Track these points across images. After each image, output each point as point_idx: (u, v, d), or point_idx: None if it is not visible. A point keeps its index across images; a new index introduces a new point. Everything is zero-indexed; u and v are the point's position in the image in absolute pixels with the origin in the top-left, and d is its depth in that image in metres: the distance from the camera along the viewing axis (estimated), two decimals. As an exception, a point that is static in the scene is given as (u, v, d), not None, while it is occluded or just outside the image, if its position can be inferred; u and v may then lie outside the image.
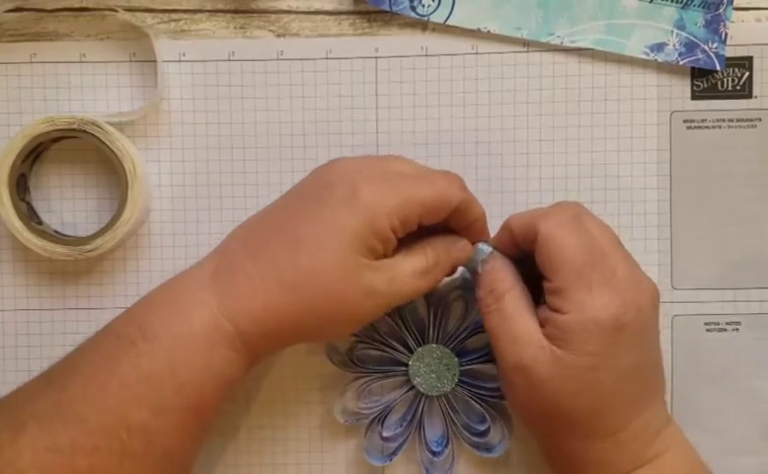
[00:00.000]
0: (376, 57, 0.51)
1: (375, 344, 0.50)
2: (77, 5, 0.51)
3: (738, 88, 0.50)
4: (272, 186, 0.51)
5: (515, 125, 0.51)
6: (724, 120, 0.50)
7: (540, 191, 0.51)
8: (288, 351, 0.50)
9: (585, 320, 0.41)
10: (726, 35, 0.50)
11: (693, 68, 0.50)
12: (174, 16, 0.51)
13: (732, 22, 0.50)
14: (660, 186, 0.51)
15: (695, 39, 0.50)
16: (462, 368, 0.50)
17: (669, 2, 0.50)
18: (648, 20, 0.50)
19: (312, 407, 0.52)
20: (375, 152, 0.51)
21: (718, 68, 0.50)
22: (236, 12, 0.51)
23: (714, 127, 0.51)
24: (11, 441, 0.40)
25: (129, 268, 0.51)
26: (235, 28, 0.51)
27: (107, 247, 0.49)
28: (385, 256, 0.43)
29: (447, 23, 0.50)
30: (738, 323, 0.51)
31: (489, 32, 0.50)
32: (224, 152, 0.51)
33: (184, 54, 0.51)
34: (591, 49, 0.50)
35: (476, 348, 0.50)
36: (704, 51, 0.50)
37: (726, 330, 0.51)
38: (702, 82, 0.51)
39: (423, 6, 0.50)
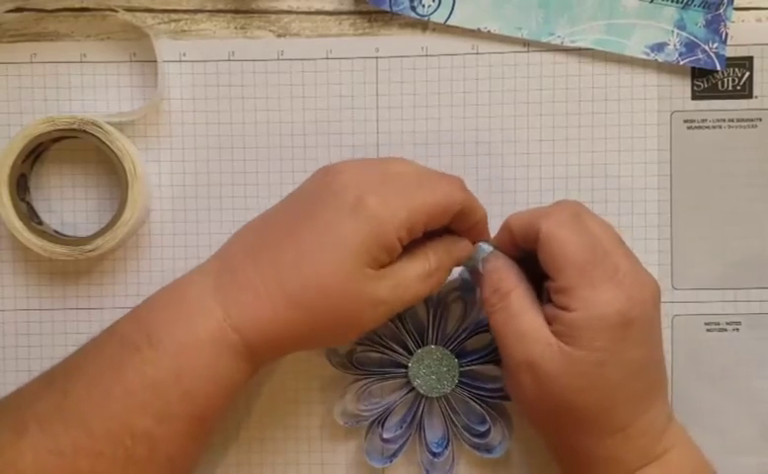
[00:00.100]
0: (376, 57, 0.51)
1: (375, 346, 0.50)
2: (77, 5, 0.51)
3: (739, 88, 0.50)
4: (272, 186, 0.51)
5: (515, 125, 0.51)
6: (724, 120, 0.50)
7: (540, 191, 0.51)
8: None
9: (592, 317, 0.41)
10: (726, 35, 0.50)
11: (693, 68, 0.50)
12: (174, 16, 0.51)
13: (733, 22, 0.50)
14: (661, 186, 0.51)
15: (695, 39, 0.50)
16: (462, 370, 0.50)
17: (670, 2, 0.50)
18: (648, 20, 0.50)
19: (312, 409, 0.52)
20: (375, 152, 0.51)
21: (718, 68, 0.50)
22: (236, 12, 0.51)
23: (714, 127, 0.51)
24: (12, 442, 0.40)
25: (129, 268, 0.51)
26: (235, 28, 0.51)
27: (107, 247, 0.49)
28: (389, 263, 0.43)
29: (447, 23, 0.50)
30: (739, 323, 0.51)
31: (489, 32, 0.50)
32: (224, 152, 0.51)
33: (184, 54, 0.51)
34: (592, 49, 0.50)
35: (475, 349, 0.50)
36: (704, 51, 0.50)
37: (726, 330, 0.51)
38: (702, 82, 0.51)
39: (424, 6, 0.50)
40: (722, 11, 0.50)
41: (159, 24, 0.51)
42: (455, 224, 0.45)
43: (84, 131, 0.48)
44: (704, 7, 0.50)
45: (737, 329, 0.51)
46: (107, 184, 0.51)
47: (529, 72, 0.51)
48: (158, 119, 0.51)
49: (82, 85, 0.51)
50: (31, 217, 0.49)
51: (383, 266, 0.43)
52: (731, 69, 0.50)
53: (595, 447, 0.43)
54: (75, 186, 0.51)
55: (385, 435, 0.50)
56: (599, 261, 0.42)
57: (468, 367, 0.50)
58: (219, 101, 0.51)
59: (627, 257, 0.43)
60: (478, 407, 0.50)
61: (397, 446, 0.50)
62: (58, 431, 0.40)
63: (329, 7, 0.51)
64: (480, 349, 0.50)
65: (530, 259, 0.45)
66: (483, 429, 0.49)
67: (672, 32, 0.50)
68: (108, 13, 0.51)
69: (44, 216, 0.51)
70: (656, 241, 0.51)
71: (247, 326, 0.42)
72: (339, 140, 0.51)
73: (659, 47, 0.50)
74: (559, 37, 0.50)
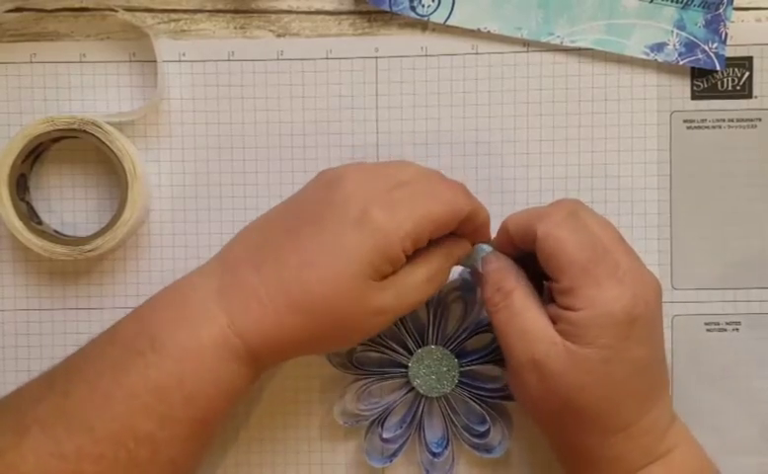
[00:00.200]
0: (376, 57, 0.51)
1: (375, 346, 0.50)
2: (77, 5, 0.51)
3: (738, 88, 0.50)
4: (272, 186, 0.51)
5: (515, 125, 0.51)
6: (724, 120, 0.50)
7: (540, 191, 0.51)
8: (288, 352, 0.50)
9: (599, 314, 0.41)
10: (726, 35, 0.50)
11: (693, 68, 0.50)
12: (174, 16, 0.51)
13: (732, 22, 0.50)
14: (660, 186, 0.51)
15: (695, 39, 0.50)
16: (462, 370, 0.50)
17: (669, 2, 0.50)
18: (648, 20, 0.50)
19: (312, 409, 0.52)
20: (375, 152, 0.51)
21: (718, 68, 0.50)
22: (236, 12, 0.51)
23: (714, 127, 0.51)
24: (14, 445, 0.40)
25: (129, 268, 0.51)
26: (235, 28, 0.51)
27: (107, 247, 0.49)
28: (393, 273, 0.43)
29: (447, 23, 0.50)
30: (739, 323, 0.51)
31: (489, 32, 0.50)
32: (224, 152, 0.51)
33: (184, 54, 0.51)
34: (591, 49, 0.50)
35: (475, 349, 0.50)
36: (704, 51, 0.50)
37: (726, 330, 0.51)
38: (702, 82, 0.51)
39: (423, 6, 0.50)
40: (721, 11, 0.50)
41: (159, 24, 0.51)
42: (459, 228, 0.45)
43: (84, 131, 0.48)
44: (704, 7, 0.50)
45: (737, 329, 0.51)
46: (107, 184, 0.51)
47: (529, 72, 0.51)
48: (158, 119, 0.51)
49: (82, 85, 0.51)
50: (31, 217, 0.49)
51: (386, 276, 0.43)
52: (731, 69, 0.50)
53: (599, 446, 0.43)
54: (75, 186, 0.51)
55: (385, 435, 0.50)
56: (600, 258, 0.42)
57: (468, 367, 0.50)
58: (219, 101, 0.51)
59: (627, 254, 0.43)
60: (478, 407, 0.50)
61: (397, 446, 0.50)
62: (60, 433, 0.40)
63: (329, 7, 0.51)
64: (480, 349, 0.50)
65: (529, 259, 0.45)
66: (483, 429, 0.49)
67: (672, 32, 0.50)
68: (107, 13, 0.51)
69: (44, 216, 0.51)
70: (656, 241, 0.51)
71: (250, 332, 0.42)
72: (338, 140, 0.51)
73: (659, 47, 0.50)
74: (558, 37, 0.50)
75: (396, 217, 0.42)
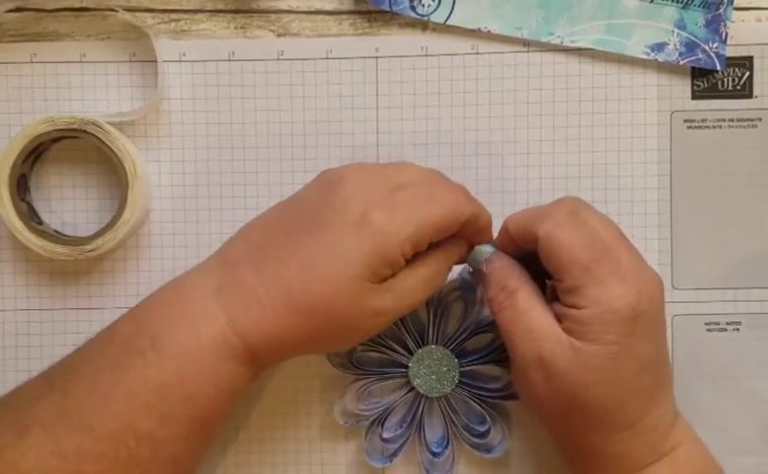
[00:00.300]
0: (376, 57, 0.51)
1: (375, 346, 0.50)
2: (77, 5, 0.51)
3: (739, 88, 0.50)
4: (272, 186, 0.51)
5: (515, 125, 0.51)
6: (724, 120, 0.50)
7: (540, 191, 0.51)
8: (288, 351, 0.50)
9: (603, 312, 0.41)
10: (726, 34, 0.50)
11: (693, 68, 0.50)
12: (174, 16, 0.51)
13: (733, 22, 0.50)
14: (661, 186, 0.51)
15: (695, 39, 0.50)
16: (462, 370, 0.50)
17: (670, 2, 0.50)
18: (648, 20, 0.50)
19: (312, 408, 0.52)
20: (375, 152, 0.51)
21: (718, 68, 0.50)
22: (236, 12, 0.51)
23: (714, 127, 0.51)
24: (14, 443, 0.40)
25: (129, 268, 0.51)
26: (235, 28, 0.51)
27: (107, 247, 0.49)
28: (392, 276, 0.43)
29: (447, 23, 0.50)
30: (739, 323, 0.51)
31: (489, 32, 0.50)
32: (224, 152, 0.51)
33: (184, 54, 0.51)
34: (591, 49, 0.50)
35: (476, 349, 0.50)
36: (704, 51, 0.50)
37: (726, 330, 0.51)
38: (702, 82, 0.50)
39: (424, 6, 0.50)
40: (722, 11, 0.50)
41: (159, 24, 0.51)
42: (460, 231, 0.45)
43: (84, 131, 0.48)
44: (704, 7, 0.50)
45: (737, 329, 0.51)
46: (107, 184, 0.51)
47: (529, 72, 0.51)
48: (158, 119, 0.51)
49: (82, 85, 0.51)
50: (31, 217, 0.49)
51: (385, 279, 0.43)
52: (731, 69, 0.50)
53: (605, 444, 0.43)
54: (75, 186, 0.51)
55: (385, 435, 0.50)
56: (602, 257, 0.42)
57: (468, 367, 0.50)
58: (219, 101, 0.51)
59: (628, 251, 0.43)
60: (478, 407, 0.50)
61: (397, 446, 0.50)
62: (60, 432, 0.40)
63: (329, 7, 0.51)
64: (480, 349, 0.50)
65: (530, 258, 0.45)
66: (483, 429, 0.49)
67: (672, 31, 0.50)
68: (108, 13, 0.51)
69: (44, 216, 0.51)
70: (656, 241, 0.51)
71: (249, 331, 0.42)
72: (339, 140, 0.51)
73: (659, 47, 0.50)
74: (559, 36, 0.50)
75: (396, 221, 0.42)
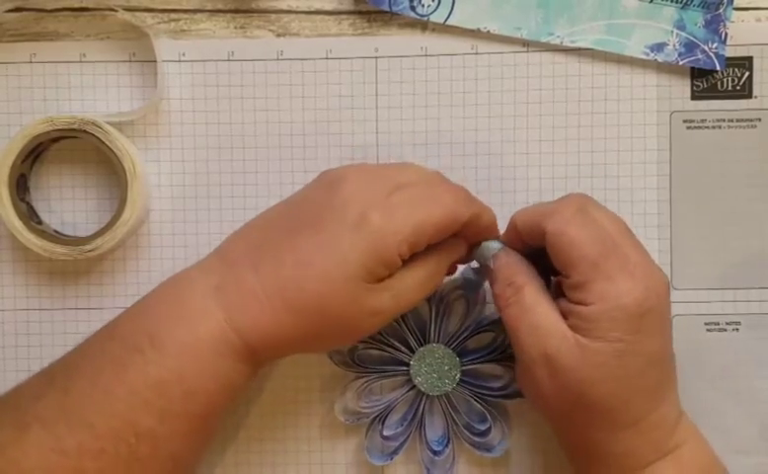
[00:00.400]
0: (376, 57, 0.51)
1: (376, 343, 0.50)
2: (77, 5, 0.51)
3: (738, 88, 0.50)
4: (272, 186, 0.51)
5: (515, 125, 0.51)
6: (724, 120, 0.50)
7: (540, 191, 0.51)
8: (289, 351, 0.50)
9: (610, 308, 0.41)
10: (725, 35, 0.50)
11: (693, 68, 0.50)
12: (174, 16, 0.51)
13: (732, 22, 0.50)
14: (660, 186, 0.51)
15: (695, 40, 0.50)
16: (463, 368, 0.50)
17: (669, 2, 0.50)
18: (648, 20, 0.50)
19: (313, 406, 0.52)
20: (375, 152, 0.51)
21: (718, 68, 0.50)
22: (236, 12, 0.51)
23: (714, 127, 0.51)
24: (15, 440, 0.40)
25: (129, 268, 0.51)
26: (235, 28, 0.51)
27: (107, 247, 0.49)
28: (390, 276, 0.43)
29: (447, 23, 0.50)
30: (739, 323, 0.51)
31: (489, 32, 0.50)
32: (224, 152, 0.51)
33: (184, 54, 0.51)
34: (591, 49, 0.50)
35: (477, 347, 0.50)
36: (704, 51, 0.50)
37: (726, 330, 0.51)
38: (702, 82, 0.51)
39: (423, 6, 0.50)
40: (721, 11, 0.50)
41: (159, 23, 0.51)
42: (462, 231, 0.45)
43: (84, 131, 0.48)
44: (703, 7, 0.50)
45: (737, 329, 0.51)
46: (107, 184, 0.51)
47: (529, 72, 0.51)
48: (158, 119, 0.51)
49: (82, 85, 0.51)
50: (30, 217, 0.49)
51: (382, 279, 0.43)
52: (731, 69, 0.50)
53: (609, 441, 0.43)
54: (75, 186, 0.51)
55: (386, 433, 0.50)
56: (610, 252, 0.42)
57: (469, 366, 0.50)
58: (219, 101, 0.51)
59: (636, 247, 0.43)
60: (479, 406, 0.50)
61: (397, 444, 0.50)
62: (61, 429, 0.40)
63: (328, 7, 0.51)
64: (482, 347, 0.50)
65: (537, 254, 0.45)
66: (483, 428, 0.49)
67: (672, 32, 0.50)
68: (107, 13, 0.51)
69: (44, 216, 0.51)
70: (656, 241, 0.51)
71: (247, 329, 0.42)
72: (338, 140, 0.51)
73: (659, 47, 0.50)
74: (558, 37, 0.50)
75: (394, 221, 0.42)
